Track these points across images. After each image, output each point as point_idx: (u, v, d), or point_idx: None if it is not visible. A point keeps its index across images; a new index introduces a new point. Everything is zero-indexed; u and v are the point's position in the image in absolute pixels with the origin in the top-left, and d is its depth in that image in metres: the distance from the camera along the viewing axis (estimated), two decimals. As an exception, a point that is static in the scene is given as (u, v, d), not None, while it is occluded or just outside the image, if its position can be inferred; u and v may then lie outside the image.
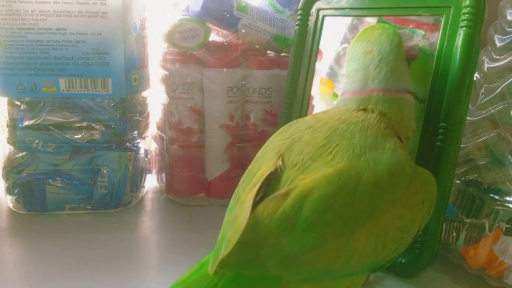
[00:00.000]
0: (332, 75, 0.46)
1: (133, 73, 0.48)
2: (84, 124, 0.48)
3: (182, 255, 0.42)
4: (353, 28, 0.45)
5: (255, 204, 0.24)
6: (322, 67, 0.46)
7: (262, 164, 0.27)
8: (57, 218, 0.49)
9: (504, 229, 0.40)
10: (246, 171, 0.30)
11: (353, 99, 0.30)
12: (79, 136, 0.47)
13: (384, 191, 0.25)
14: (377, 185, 0.25)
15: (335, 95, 0.45)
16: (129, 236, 0.46)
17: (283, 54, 0.55)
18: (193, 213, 0.51)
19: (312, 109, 0.46)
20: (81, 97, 0.46)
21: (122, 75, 0.46)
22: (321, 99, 0.46)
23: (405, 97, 0.30)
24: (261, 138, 0.53)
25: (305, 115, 0.47)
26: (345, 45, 0.46)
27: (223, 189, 0.52)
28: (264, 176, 0.26)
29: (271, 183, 0.26)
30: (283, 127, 0.31)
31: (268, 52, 0.55)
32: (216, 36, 0.52)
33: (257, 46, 0.53)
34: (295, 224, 0.24)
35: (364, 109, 0.29)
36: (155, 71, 0.53)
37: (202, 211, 0.52)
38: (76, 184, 0.48)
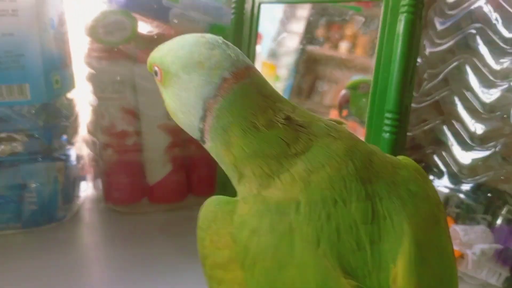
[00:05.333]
0: (272, 55, 0.45)
1: (53, 75, 0.43)
2: (4, 135, 0.42)
3: (129, 273, 0.39)
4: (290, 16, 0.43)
5: None
6: (262, 50, 0.45)
7: (321, 283, 0.20)
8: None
9: (454, 215, 0.40)
10: None
11: None
12: (-1, 149, 0.43)
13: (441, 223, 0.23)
14: (443, 229, 0.23)
15: (277, 78, 0.44)
16: (66, 254, 0.42)
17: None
18: (136, 222, 0.48)
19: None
20: (-4, 106, 0.41)
21: (41, 78, 0.41)
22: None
23: None
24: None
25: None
26: (284, 34, 0.44)
27: (167, 193, 0.49)
28: None
29: None
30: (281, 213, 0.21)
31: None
32: (148, 28, 0.47)
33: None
34: None
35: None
36: (80, 68, 0.48)
37: (146, 219, 0.48)
38: (1, 203, 0.44)
